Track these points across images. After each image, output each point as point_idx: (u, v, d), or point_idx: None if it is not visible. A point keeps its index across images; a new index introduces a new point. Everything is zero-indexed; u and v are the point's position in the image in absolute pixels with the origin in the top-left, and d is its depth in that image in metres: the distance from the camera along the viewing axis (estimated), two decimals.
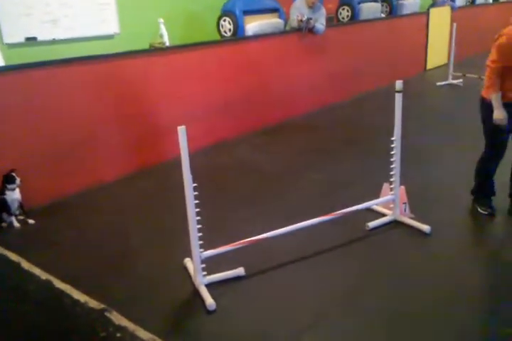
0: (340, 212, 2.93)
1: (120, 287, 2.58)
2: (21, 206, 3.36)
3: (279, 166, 4.30)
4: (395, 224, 3.14)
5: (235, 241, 2.61)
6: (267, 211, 3.39)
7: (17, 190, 3.29)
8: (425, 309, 2.34)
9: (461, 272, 2.66)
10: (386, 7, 7.96)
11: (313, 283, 2.58)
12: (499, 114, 2.97)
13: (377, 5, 7.61)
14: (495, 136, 3.06)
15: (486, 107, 3.03)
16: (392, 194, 3.12)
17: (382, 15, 7.75)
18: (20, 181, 3.26)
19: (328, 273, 2.67)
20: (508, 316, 2.28)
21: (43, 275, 2.62)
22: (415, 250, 2.88)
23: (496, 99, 2.96)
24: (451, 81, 7.23)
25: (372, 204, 3.16)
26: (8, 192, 3.25)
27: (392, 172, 3.08)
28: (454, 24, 7.32)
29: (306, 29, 5.73)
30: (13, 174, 3.25)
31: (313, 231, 2.85)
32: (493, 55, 2.92)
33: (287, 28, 6.01)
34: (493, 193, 3.26)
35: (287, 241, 2.82)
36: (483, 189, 3.26)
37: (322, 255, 2.82)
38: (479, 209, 3.24)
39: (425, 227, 3.01)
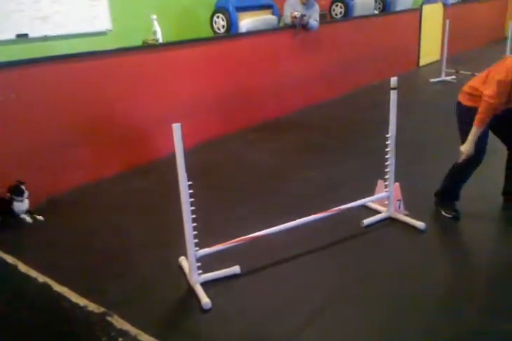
0: (335, 209, 2.93)
1: (117, 288, 2.56)
2: (29, 212, 3.36)
3: (274, 163, 4.29)
4: (390, 221, 3.14)
5: (230, 239, 2.60)
6: (263, 208, 3.38)
7: (26, 201, 3.29)
8: (423, 305, 2.35)
9: (456, 269, 2.68)
10: (379, 3, 7.95)
11: (309, 281, 2.58)
12: (471, 149, 2.87)
13: (371, 1, 7.61)
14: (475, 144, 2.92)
15: (473, 114, 2.87)
16: (386, 191, 3.13)
17: (376, 11, 7.74)
18: (29, 194, 3.26)
19: (325, 271, 2.67)
20: (507, 312, 2.30)
21: (40, 278, 2.59)
22: (410, 247, 2.89)
23: (477, 133, 2.84)
24: (444, 77, 7.24)
25: (367, 201, 3.16)
26: (16, 203, 3.25)
27: (386, 169, 3.08)
28: (447, 20, 7.34)
29: (299, 26, 5.71)
30: (22, 187, 3.25)
31: (309, 229, 2.85)
32: (492, 90, 2.74)
33: (281, 24, 5.99)
34: (458, 198, 3.19)
35: (283, 238, 2.81)
36: (450, 193, 3.19)
37: (318, 252, 2.82)
38: (444, 213, 3.18)
39: (420, 224, 3.02)
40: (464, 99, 3.01)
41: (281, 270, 2.67)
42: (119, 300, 2.44)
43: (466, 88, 3.02)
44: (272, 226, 2.72)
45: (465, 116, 2.97)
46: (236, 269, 2.60)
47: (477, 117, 2.82)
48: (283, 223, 2.75)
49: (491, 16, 10.63)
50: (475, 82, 2.97)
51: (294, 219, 2.79)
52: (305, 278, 2.60)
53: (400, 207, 3.18)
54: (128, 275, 2.68)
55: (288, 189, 3.74)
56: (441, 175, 3.22)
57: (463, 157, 2.93)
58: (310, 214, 2.85)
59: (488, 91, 2.76)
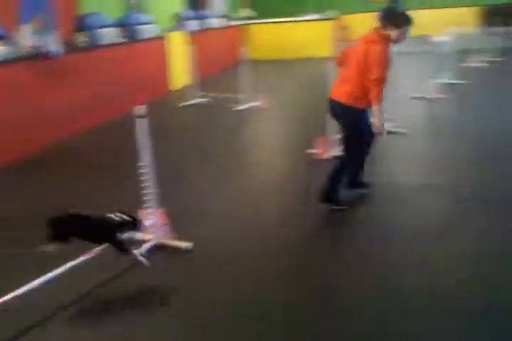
0: (95, 250, 2.76)
1: None
2: None
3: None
4: (158, 248, 3.12)
5: None
6: None
7: None
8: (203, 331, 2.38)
9: (229, 285, 2.78)
10: (125, 32, 8.03)
11: None
12: (381, 123, 3.17)
13: (116, 30, 7.64)
14: (360, 142, 3.28)
15: (355, 114, 3.23)
16: (149, 219, 3.11)
17: (123, 40, 7.80)
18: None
19: (91, 323, 2.47)
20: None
21: None
22: (181, 270, 2.93)
23: (379, 110, 3.13)
24: (195, 100, 7.69)
25: (130, 234, 3.08)
26: None
27: (147, 198, 3.07)
28: (192, 46, 7.89)
29: (39, 55, 5.33)
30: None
31: (68, 278, 2.60)
32: (378, 69, 3.02)
33: (16, 55, 5.47)
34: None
35: (31, 304, 2.47)
36: (337, 189, 3.47)
37: (78, 304, 2.60)
38: (338, 207, 3.48)
39: (185, 245, 3.11)
40: (344, 98, 3.22)
41: None
42: None
43: (342, 89, 3.25)
44: (15, 289, 2.41)
45: (355, 117, 3.23)
46: None
47: (373, 98, 3.08)
48: (28, 282, 2.46)
49: (230, 42, 11.94)
50: (347, 77, 3.21)
51: (42, 275, 2.53)
52: None
53: (166, 232, 3.19)
54: None
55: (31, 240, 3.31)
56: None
57: (383, 132, 3.21)
58: (72, 260, 2.64)
59: (373, 74, 3.03)
